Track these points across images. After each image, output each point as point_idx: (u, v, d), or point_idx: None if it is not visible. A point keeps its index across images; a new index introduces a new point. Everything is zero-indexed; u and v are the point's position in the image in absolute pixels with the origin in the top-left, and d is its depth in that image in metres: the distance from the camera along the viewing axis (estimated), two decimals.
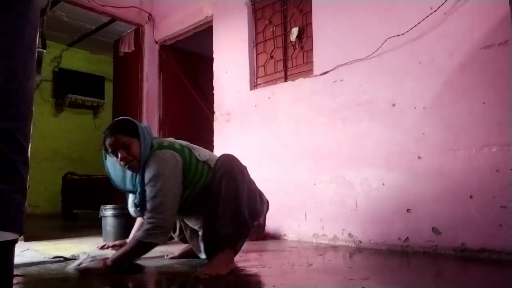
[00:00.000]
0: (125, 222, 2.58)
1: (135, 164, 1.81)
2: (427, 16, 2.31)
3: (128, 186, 1.89)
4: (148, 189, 1.74)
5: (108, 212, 2.59)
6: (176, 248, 2.26)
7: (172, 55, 4.58)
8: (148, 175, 1.76)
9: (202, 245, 1.91)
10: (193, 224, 2.02)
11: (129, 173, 1.88)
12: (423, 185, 2.28)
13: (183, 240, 2.18)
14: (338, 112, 2.73)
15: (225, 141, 3.51)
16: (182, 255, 2.14)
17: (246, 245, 2.57)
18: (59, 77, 6.36)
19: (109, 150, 1.82)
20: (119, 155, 1.78)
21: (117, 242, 2.18)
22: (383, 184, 2.46)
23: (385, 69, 2.50)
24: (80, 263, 1.74)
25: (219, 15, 3.70)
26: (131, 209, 1.93)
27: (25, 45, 0.81)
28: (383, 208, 2.44)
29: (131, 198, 1.93)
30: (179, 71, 4.66)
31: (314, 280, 1.61)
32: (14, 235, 0.77)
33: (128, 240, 2.02)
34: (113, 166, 1.90)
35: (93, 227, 3.58)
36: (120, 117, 1.93)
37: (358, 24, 2.66)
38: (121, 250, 1.77)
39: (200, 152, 1.95)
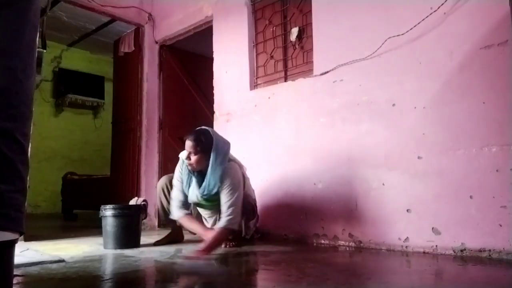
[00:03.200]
0: (125, 222, 2.57)
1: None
2: (427, 16, 2.31)
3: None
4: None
5: (108, 212, 2.58)
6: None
7: (172, 55, 4.58)
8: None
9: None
10: (207, 213, 2.69)
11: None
12: (423, 185, 2.28)
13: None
14: (338, 112, 2.73)
15: None
16: (166, 241, 2.78)
17: (246, 246, 2.58)
18: (59, 77, 6.36)
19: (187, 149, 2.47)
20: None
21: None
22: (383, 184, 2.46)
23: (385, 69, 2.50)
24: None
25: (219, 15, 3.70)
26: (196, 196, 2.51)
27: (25, 45, 0.81)
28: (383, 208, 2.44)
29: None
30: (179, 71, 4.66)
31: (314, 280, 1.61)
32: (14, 235, 0.77)
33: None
34: None
35: (93, 227, 3.58)
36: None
37: (358, 24, 2.66)
38: (211, 239, 2.28)
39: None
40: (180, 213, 2.50)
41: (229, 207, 2.35)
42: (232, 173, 2.45)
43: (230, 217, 2.32)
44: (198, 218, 2.73)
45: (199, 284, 1.65)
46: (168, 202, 2.67)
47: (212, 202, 2.52)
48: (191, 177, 2.51)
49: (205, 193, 2.44)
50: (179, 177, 2.56)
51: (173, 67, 4.59)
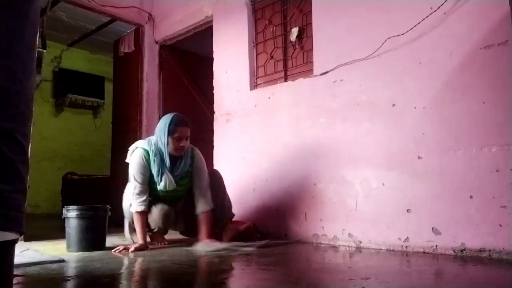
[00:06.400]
0: (88, 224, 2.48)
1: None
2: (427, 16, 2.31)
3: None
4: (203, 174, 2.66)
5: (71, 213, 2.49)
6: None
7: (172, 55, 4.58)
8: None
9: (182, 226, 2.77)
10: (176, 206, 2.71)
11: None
12: (423, 185, 2.28)
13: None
14: (338, 112, 2.73)
15: (225, 141, 3.51)
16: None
17: (246, 246, 2.58)
18: (59, 77, 6.35)
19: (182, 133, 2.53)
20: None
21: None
22: (383, 184, 2.46)
23: (385, 69, 2.50)
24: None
25: (219, 15, 3.70)
26: (168, 184, 2.53)
27: (25, 45, 0.81)
28: (383, 208, 2.44)
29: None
30: (179, 71, 4.66)
31: (314, 280, 1.61)
32: (14, 235, 0.77)
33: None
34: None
35: None
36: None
37: (358, 24, 2.66)
38: (210, 228, 2.54)
39: None
40: (143, 206, 2.48)
41: (207, 189, 2.59)
42: (201, 155, 2.68)
43: (210, 198, 2.57)
44: None
45: (199, 284, 1.65)
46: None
47: (181, 186, 2.62)
48: (163, 165, 2.52)
49: (179, 173, 2.54)
50: (144, 171, 2.51)
51: (173, 67, 4.59)
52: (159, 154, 2.51)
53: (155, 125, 4.36)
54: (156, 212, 2.56)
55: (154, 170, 2.51)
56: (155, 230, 2.66)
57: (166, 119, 2.56)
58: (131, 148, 2.64)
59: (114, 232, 3.23)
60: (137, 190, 2.50)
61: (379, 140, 2.50)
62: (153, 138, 2.58)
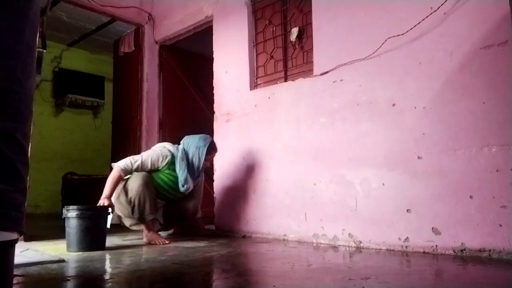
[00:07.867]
0: (88, 224, 2.47)
1: None
2: (427, 16, 2.31)
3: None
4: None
5: (71, 213, 2.47)
6: None
7: (172, 55, 4.58)
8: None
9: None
10: (162, 203, 3.13)
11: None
12: (423, 185, 2.28)
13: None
14: (338, 112, 2.73)
15: (225, 141, 3.51)
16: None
17: (245, 246, 2.58)
18: (59, 77, 6.35)
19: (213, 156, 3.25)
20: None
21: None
22: (383, 184, 2.46)
23: (385, 69, 2.50)
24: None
25: (219, 15, 3.70)
26: (190, 187, 3.01)
27: (25, 45, 0.81)
28: (383, 208, 2.44)
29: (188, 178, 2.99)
30: (179, 71, 4.66)
31: (314, 280, 1.61)
32: (14, 235, 0.77)
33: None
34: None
35: None
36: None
37: (358, 24, 2.66)
38: (202, 222, 3.39)
39: None
40: (125, 173, 2.81)
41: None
42: None
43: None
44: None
45: (199, 284, 1.65)
46: (160, 196, 2.98)
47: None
48: (191, 172, 2.99)
49: (195, 182, 3.07)
50: (155, 164, 2.88)
51: (173, 67, 4.59)
52: (187, 161, 2.95)
53: (155, 125, 4.42)
54: (137, 179, 2.80)
55: (182, 174, 2.92)
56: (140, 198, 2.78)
57: (205, 141, 3.05)
58: (158, 144, 3.11)
59: (114, 232, 3.23)
60: (135, 166, 2.83)
61: (379, 140, 2.50)
62: (180, 148, 3.01)
